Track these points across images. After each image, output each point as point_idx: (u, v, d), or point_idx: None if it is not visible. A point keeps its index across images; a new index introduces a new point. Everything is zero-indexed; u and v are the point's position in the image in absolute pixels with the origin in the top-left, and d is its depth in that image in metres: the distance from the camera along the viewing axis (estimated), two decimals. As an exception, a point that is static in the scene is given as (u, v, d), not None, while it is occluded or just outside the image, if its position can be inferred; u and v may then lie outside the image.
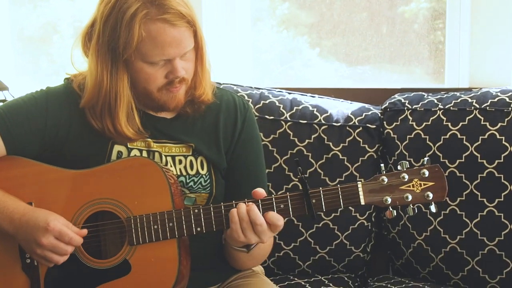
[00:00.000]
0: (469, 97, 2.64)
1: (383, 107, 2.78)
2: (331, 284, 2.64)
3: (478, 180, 2.55)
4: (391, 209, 1.97)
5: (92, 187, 2.06)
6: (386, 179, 1.97)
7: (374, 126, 2.74)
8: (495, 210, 2.54)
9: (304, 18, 3.35)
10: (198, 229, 2.01)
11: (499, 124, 2.54)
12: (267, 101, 2.80)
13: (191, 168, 2.17)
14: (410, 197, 1.96)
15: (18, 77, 3.61)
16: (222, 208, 2.00)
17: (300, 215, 2.01)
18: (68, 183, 2.07)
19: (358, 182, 1.97)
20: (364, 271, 2.80)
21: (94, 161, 2.10)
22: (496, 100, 2.58)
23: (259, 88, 2.89)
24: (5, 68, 3.56)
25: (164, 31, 1.98)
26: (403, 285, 2.61)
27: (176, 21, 1.98)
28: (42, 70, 3.65)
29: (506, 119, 2.55)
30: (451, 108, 2.63)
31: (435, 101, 2.68)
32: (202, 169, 2.18)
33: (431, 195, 1.96)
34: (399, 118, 2.71)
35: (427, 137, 2.63)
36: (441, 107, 2.65)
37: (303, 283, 2.65)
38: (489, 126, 2.55)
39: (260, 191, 1.99)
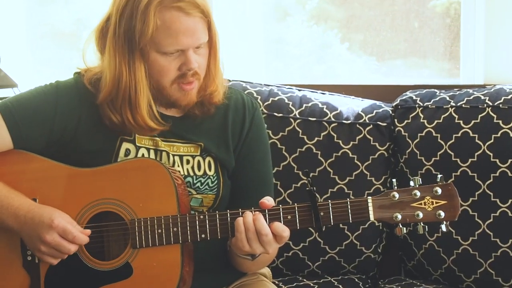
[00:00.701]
0: (482, 94, 2.59)
1: (394, 104, 2.73)
2: (341, 286, 2.61)
3: (491, 180, 2.50)
4: (401, 226, 1.93)
5: (97, 187, 2.04)
6: (397, 195, 1.92)
7: (385, 124, 2.69)
8: (509, 211, 2.48)
9: (334, 12, 3.34)
10: (203, 235, 1.98)
11: (513, 122, 2.50)
12: (276, 98, 2.76)
13: (199, 169, 2.15)
14: (421, 215, 1.91)
15: (48, 72, 3.68)
16: (228, 216, 1.97)
17: (306, 227, 1.97)
18: (73, 181, 2.06)
19: (369, 197, 1.93)
20: (375, 272, 2.76)
21: (102, 157, 2.09)
22: (509, 97, 2.53)
23: (269, 85, 2.86)
24: (35, 63, 3.63)
25: (178, 19, 1.99)
26: (414, 288, 2.57)
27: (190, 10, 1.99)
28: (73, 65, 3.72)
29: (519, 117, 2.50)
30: (463, 105, 2.58)
31: (447, 98, 2.63)
32: (210, 170, 2.16)
33: (442, 214, 1.92)
34: (410, 116, 2.66)
35: (439, 135, 2.58)
36: (453, 104, 2.60)
37: (312, 284, 2.61)
38: (502, 124, 2.50)
39: (267, 203, 1.96)
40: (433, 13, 3.15)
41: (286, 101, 2.76)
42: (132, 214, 2.00)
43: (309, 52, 3.42)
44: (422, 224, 1.92)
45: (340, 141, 2.68)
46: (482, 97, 2.57)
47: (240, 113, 2.21)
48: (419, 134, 2.61)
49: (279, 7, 3.41)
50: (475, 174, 2.52)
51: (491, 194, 2.50)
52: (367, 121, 2.69)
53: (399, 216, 1.91)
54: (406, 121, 2.66)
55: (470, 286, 2.56)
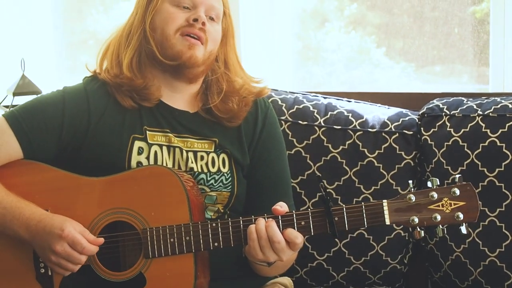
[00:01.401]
0: (509, 103, 2.53)
1: (420, 112, 2.68)
2: (366, 297, 2.57)
3: (519, 190, 2.44)
4: (419, 229, 1.89)
5: (109, 196, 2.03)
6: (413, 198, 1.88)
7: (411, 132, 2.64)
8: (537, 222, 2.43)
9: (372, 18, 3.32)
10: (216, 244, 1.96)
11: (541, 131, 2.44)
12: (301, 106, 2.73)
13: (213, 166, 2.14)
14: (439, 218, 1.87)
15: (72, 79, 3.70)
16: (241, 223, 1.95)
17: (321, 233, 1.94)
18: (85, 191, 2.05)
19: (384, 201, 1.89)
20: (401, 284, 2.71)
21: (115, 159, 2.09)
22: (537, 105, 2.48)
23: (294, 93, 2.83)
24: (60, 71, 3.66)
25: None
26: (440, 300, 2.52)
27: None
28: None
29: (548, 126, 2.44)
30: (490, 114, 2.52)
31: (474, 107, 2.58)
32: (224, 167, 2.15)
33: (461, 216, 1.87)
34: (437, 124, 2.61)
35: (465, 144, 2.53)
36: (480, 113, 2.54)
37: (336, 295, 2.58)
38: (530, 133, 2.45)
39: (280, 209, 1.94)
40: (462, 19, 3.10)
41: (311, 108, 2.72)
42: (144, 223, 1.98)
43: (347, 58, 3.41)
44: (441, 227, 1.88)
45: (366, 150, 2.63)
46: (510, 106, 2.51)
47: (252, 112, 2.22)
48: (445, 143, 2.56)
49: (317, 13, 3.40)
50: (502, 184, 2.46)
51: (519, 204, 2.45)
52: (393, 129, 2.64)
53: (416, 220, 1.87)
54: (432, 130, 2.61)
55: (498, 299, 2.50)
